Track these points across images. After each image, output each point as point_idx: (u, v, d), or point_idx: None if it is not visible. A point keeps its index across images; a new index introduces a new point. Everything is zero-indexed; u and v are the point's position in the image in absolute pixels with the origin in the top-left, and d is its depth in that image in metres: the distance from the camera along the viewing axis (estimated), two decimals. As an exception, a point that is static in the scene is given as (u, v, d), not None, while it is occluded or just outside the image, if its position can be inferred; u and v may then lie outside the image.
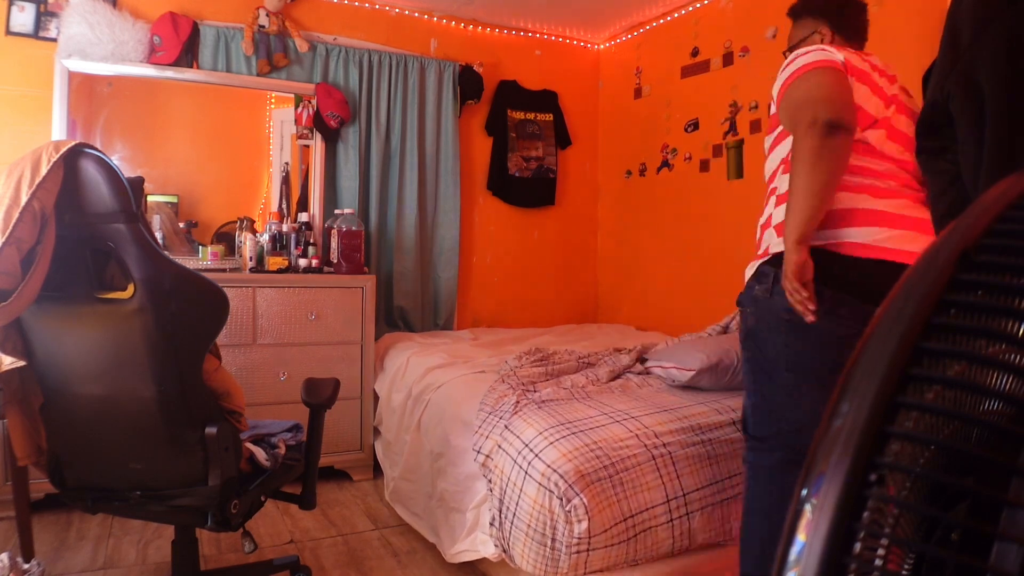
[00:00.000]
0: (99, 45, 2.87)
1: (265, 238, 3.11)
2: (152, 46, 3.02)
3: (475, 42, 3.88)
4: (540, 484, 1.79)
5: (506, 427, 2.03)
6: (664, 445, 1.95)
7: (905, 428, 0.30)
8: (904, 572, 0.30)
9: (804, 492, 0.31)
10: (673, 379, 2.38)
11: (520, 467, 1.87)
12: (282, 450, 1.74)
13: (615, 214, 4.20)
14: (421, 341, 3.29)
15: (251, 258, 3.07)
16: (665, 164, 3.78)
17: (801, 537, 0.29)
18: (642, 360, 2.65)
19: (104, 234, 1.38)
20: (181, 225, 3.23)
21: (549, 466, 1.80)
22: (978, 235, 0.34)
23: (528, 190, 4.03)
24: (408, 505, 2.58)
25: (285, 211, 3.40)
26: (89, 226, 1.39)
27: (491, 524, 1.95)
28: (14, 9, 2.89)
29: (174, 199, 3.23)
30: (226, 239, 3.26)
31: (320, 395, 1.77)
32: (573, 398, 2.22)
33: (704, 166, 3.53)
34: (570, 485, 1.76)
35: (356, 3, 3.54)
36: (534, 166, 4.04)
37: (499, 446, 2.00)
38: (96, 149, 1.42)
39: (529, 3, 3.63)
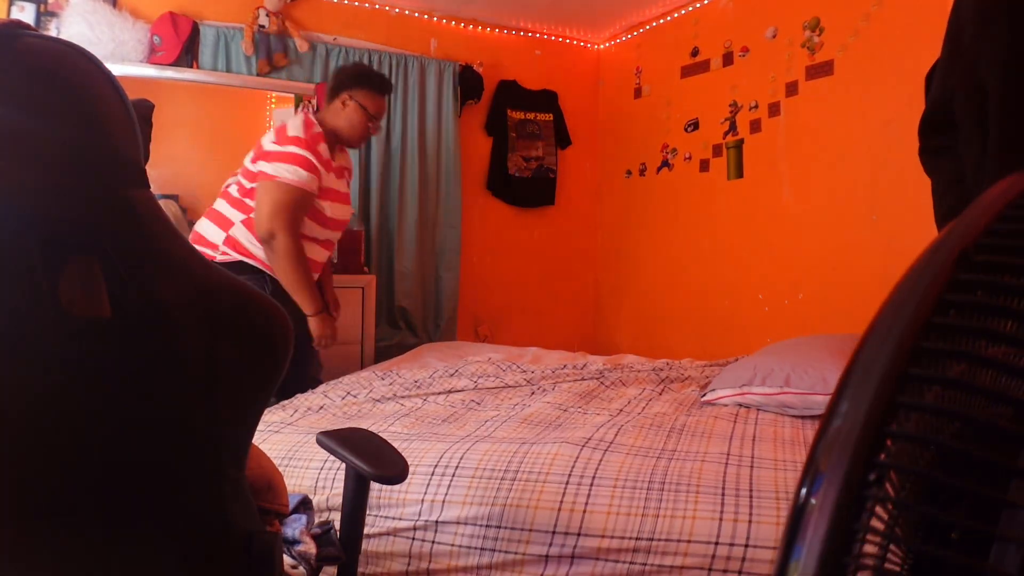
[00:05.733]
0: (99, 45, 2.87)
1: (265, 238, 3.10)
2: (152, 46, 3.02)
3: (475, 42, 3.87)
4: None
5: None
6: None
7: (905, 428, 0.30)
8: (903, 572, 0.30)
9: (803, 492, 0.30)
10: (795, 408, 1.87)
11: None
12: (310, 547, 1.16)
13: (615, 214, 4.20)
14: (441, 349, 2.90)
15: (251, 258, 3.06)
16: (665, 164, 3.78)
17: (800, 537, 0.29)
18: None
19: (79, 212, 0.69)
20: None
21: None
22: (977, 235, 0.34)
23: (528, 190, 4.04)
24: None
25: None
26: (44, 196, 0.68)
27: None
28: (14, 9, 2.89)
29: (174, 199, 3.23)
30: (226, 239, 3.26)
31: (393, 464, 1.16)
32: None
33: (704, 166, 3.53)
34: None
35: (356, 3, 3.54)
36: (534, 166, 4.04)
37: None
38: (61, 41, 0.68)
39: (529, 3, 3.63)
